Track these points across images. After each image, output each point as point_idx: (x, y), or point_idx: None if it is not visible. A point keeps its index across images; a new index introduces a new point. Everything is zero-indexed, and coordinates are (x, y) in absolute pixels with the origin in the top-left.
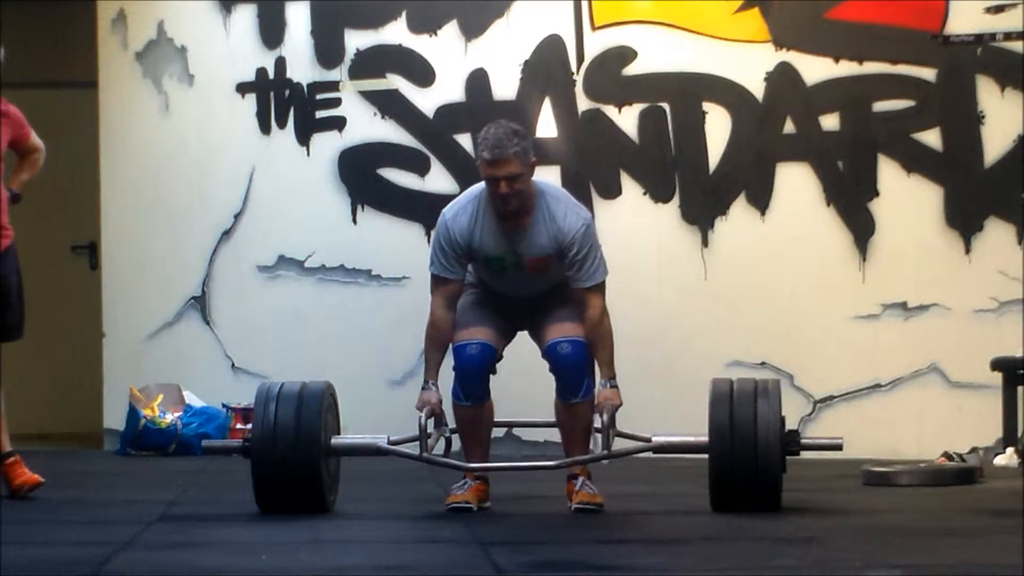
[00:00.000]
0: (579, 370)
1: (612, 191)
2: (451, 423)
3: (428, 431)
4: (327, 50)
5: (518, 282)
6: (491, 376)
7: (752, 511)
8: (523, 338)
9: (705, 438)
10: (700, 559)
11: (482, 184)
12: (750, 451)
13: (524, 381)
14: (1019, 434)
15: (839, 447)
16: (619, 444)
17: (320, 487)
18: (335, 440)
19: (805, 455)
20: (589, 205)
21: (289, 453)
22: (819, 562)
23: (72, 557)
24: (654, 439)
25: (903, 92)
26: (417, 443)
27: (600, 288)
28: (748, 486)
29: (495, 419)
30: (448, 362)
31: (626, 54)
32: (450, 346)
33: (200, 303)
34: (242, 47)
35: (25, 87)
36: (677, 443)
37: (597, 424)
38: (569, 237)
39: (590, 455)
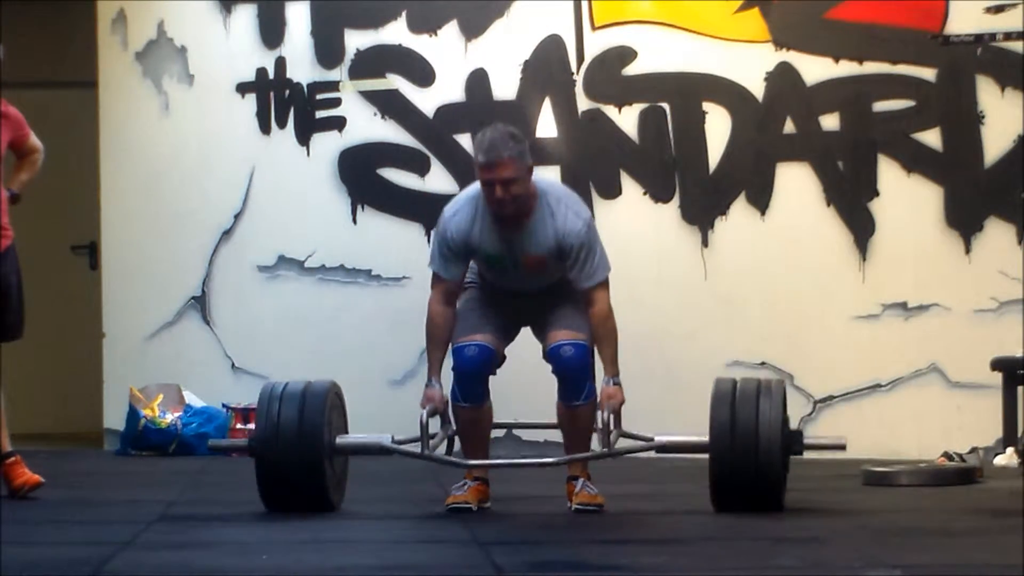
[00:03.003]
0: (582, 373)
1: (612, 191)
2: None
3: (430, 428)
4: (327, 50)
5: (518, 279)
6: (491, 377)
7: (754, 511)
8: (524, 339)
9: (707, 438)
10: (700, 559)
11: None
12: (752, 451)
13: (525, 382)
14: (1019, 434)
15: (842, 447)
16: (621, 443)
17: (324, 486)
18: (339, 439)
19: (806, 456)
20: (589, 205)
21: (292, 452)
22: (819, 562)
23: (72, 557)
24: (656, 439)
25: (903, 92)
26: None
27: (604, 285)
28: (750, 486)
29: (496, 420)
30: (449, 363)
31: (626, 54)
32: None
33: (200, 303)
34: (242, 47)
35: (25, 87)
36: (679, 443)
37: (600, 424)
38: (570, 239)
39: (592, 453)
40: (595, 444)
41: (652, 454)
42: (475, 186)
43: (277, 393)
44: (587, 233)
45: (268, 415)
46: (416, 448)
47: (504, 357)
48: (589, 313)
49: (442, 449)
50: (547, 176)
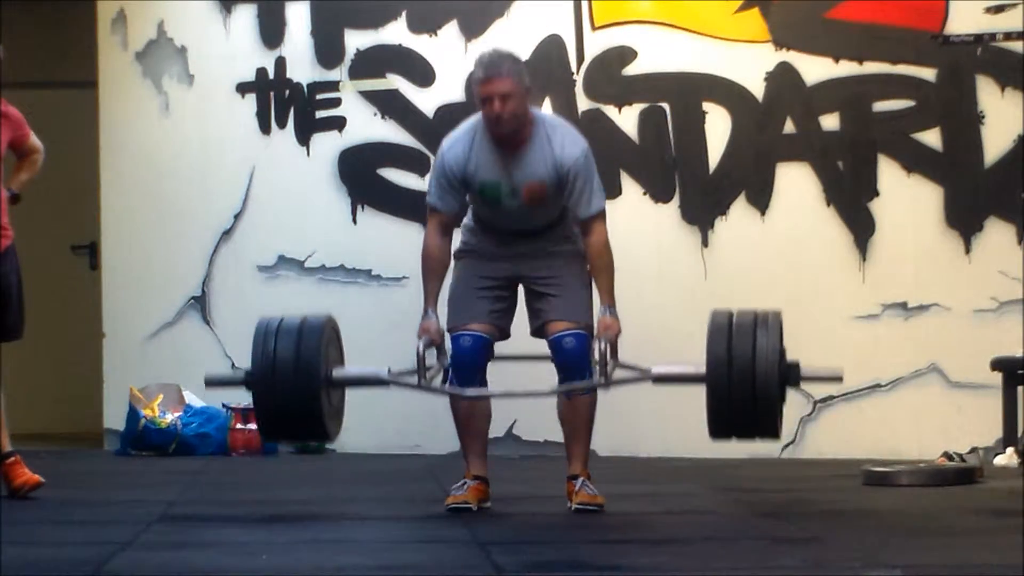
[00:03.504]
0: (582, 363)
1: (612, 191)
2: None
3: (426, 359)
4: (327, 50)
5: (514, 214)
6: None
7: (750, 439)
8: (524, 340)
9: (703, 369)
10: (700, 559)
11: (479, 114)
12: (748, 381)
13: (524, 382)
14: (1019, 434)
15: (839, 378)
16: (619, 376)
17: (321, 418)
18: (336, 372)
19: (806, 456)
20: None
21: (288, 384)
22: (819, 562)
23: (72, 557)
24: (653, 370)
25: (903, 92)
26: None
27: (602, 216)
28: (746, 416)
29: (495, 419)
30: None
31: (626, 54)
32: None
33: (200, 303)
34: (242, 47)
35: (25, 87)
36: (676, 374)
37: (597, 356)
38: (568, 165)
39: (588, 382)
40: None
41: (652, 454)
42: (473, 118)
43: (273, 327)
44: (585, 160)
45: (264, 348)
46: (413, 381)
47: (508, 334)
48: (586, 244)
49: (438, 381)
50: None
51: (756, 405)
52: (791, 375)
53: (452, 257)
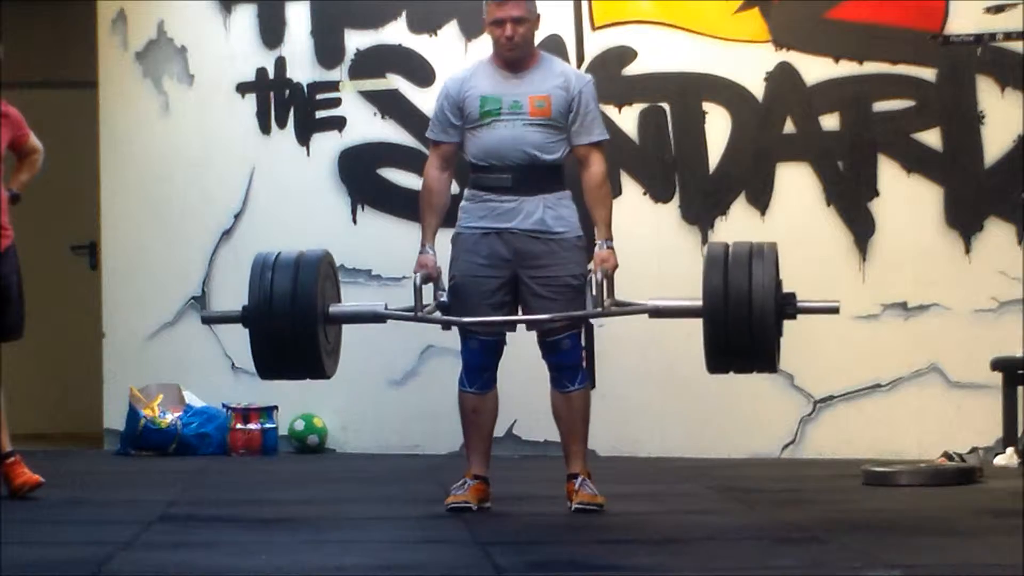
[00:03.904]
0: (576, 362)
1: (612, 191)
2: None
3: (423, 292)
4: (327, 50)
5: (515, 138)
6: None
7: (748, 372)
8: (524, 339)
9: (700, 302)
10: (700, 559)
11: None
12: (745, 313)
13: (524, 382)
14: (1019, 434)
15: (835, 310)
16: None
17: (317, 353)
18: (333, 308)
19: (806, 456)
20: None
21: (285, 319)
22: (819, 562)
23: (72, 557)
24: (649, 303)
25: (903, 92)
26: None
27: (601, 147)
28: (744, 348)
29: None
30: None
31: (626, 54)
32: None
33: (200, 303)
34: (242, 47)
35: (25, 87)
36: (673, 307)
37: (594, 289)
38: (576, 85)
39: (587, 312)
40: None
41: (651, 454)
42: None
43: (270, 262)
44: (592, 87)
45: (261, 284)
46: (410, 316)
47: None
48: (584, 176)
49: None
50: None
51: (753, 337)
52: (788, 307)
53: (451, 241)
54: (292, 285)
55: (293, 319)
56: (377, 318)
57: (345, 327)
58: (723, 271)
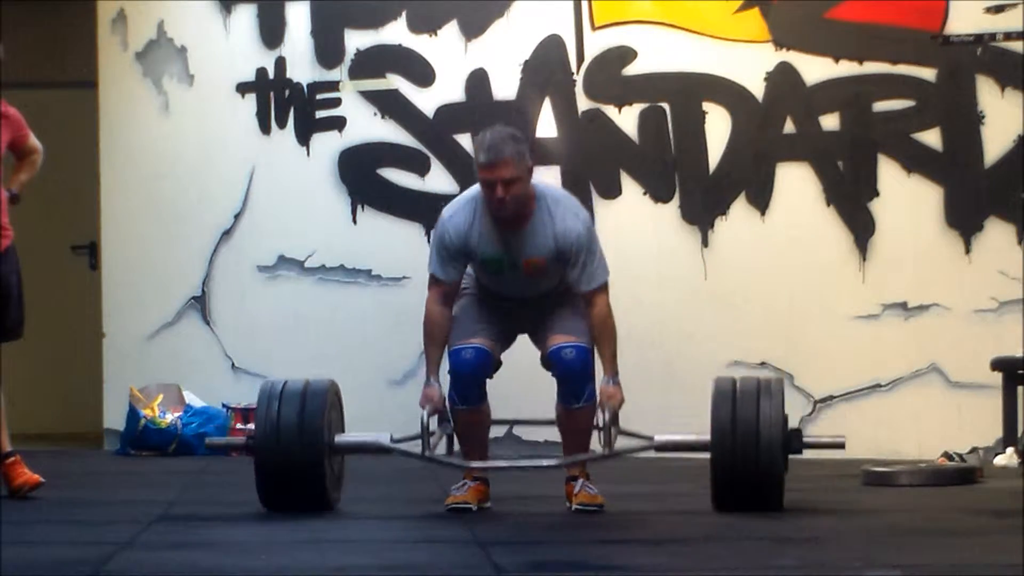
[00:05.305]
0: (582, 375)
1: (612, 191)
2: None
3: (431, 429)
4: (327, 50)
5: (515, 284)
6: (488, 379)
7: (754, 511)
8: (523, 340)
9: (707, 437)
10: (700, 559)
11: (479, 186)
12: (752, 450)
13: (524, 382)
14: (1019, 434)
15: (841, 446)
16: (621, 442)
17: (323, 485)
18: (338, 438)
19: (806, 456)
20: (589, 205)
21: (292, 451)
22: (819, 562)
23: (72, 557)
24: (656, 438)
25: (903, 92)
26: (419, 443)
27: (604, 288)
28: (750, 485)
29: (495, 418)
30: (445, 366)
31: (626, 54)
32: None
33: (200, 303)
34: (242, 47)
35: (25, 87)
36: (679, 442)
37: (600, 425)
38: (569, 241)
39: (592, 454)
40: (595, 444)
41: (652, 454)
42: (474, 188)
43: (276, 392)
44: (586, 235)
45: (268, 414)
46: (415, 448)
47: (500, 363)
48: (589, 315)
49: (442, 448)
50: (545, 179)
51: (760, 478)
52: (794, 443)
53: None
54: (299, 416)
55: (300, 451)
56: (382, 451)
57: (345, 327)
58: (731, 407)
